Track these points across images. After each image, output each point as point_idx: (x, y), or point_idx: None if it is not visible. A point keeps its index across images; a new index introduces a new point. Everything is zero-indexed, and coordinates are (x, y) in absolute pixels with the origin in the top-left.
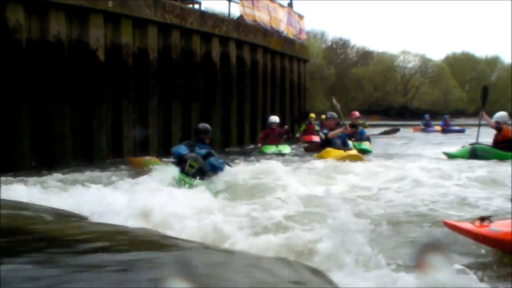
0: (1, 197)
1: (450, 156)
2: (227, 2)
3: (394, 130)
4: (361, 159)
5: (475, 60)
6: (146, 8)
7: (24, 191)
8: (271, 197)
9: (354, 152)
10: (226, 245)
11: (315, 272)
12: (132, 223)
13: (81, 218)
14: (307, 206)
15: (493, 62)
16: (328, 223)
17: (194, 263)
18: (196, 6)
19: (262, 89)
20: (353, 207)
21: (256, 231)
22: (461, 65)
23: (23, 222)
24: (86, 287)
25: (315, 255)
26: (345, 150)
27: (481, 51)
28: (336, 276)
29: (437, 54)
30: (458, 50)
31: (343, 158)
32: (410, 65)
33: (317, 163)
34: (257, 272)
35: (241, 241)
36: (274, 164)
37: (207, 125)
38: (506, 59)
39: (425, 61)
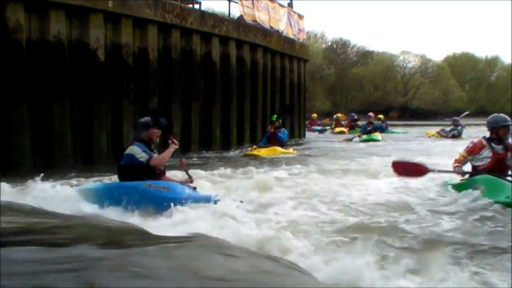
0: None
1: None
2: (227, 2)
3: None
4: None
5: (475, 60)
6: (146, 8)
7: None
8: None
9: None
10: None
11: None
12: None
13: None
14: None
15: (493, 62)
16: None
17: None
18: (196, 6)
19: (262, 89)
20: None
21: None
22: (461, 65)
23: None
24: None
25: None
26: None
27: (481, 51)
28: None
29: (437, 54)
30: (458, 50)
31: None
32: (410, 65)
33: None
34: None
35: None
36: None
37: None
38: (506, 59)
39: (425, 61)
